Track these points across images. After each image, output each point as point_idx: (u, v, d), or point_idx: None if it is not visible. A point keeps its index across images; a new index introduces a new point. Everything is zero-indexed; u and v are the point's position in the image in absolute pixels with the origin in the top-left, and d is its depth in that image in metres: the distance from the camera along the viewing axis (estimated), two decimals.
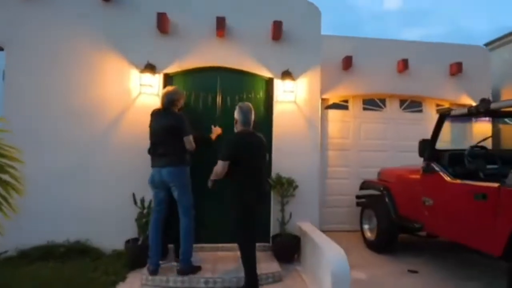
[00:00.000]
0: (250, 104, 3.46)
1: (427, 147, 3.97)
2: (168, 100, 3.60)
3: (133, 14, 4.47)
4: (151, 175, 3.57)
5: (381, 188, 4.74)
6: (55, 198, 4.20)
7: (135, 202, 3.96)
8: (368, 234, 4.93)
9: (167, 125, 3.47)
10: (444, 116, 3.94)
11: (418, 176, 4.14)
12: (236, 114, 3.37)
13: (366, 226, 5.01)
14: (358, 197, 5.33)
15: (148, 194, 3.93)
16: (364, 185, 5.23)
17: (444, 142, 5.26)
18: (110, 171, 4.30)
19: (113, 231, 4.13)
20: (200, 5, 4.61)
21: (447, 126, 5.05)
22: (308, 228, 4.17)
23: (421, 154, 4.04)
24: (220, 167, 3.19)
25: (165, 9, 4.42)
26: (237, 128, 3.38)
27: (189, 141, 3.52)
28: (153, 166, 3.55)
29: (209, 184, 3.30)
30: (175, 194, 3.50)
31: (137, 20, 4.47)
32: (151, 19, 4.39)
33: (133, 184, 4.17)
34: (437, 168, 3.85)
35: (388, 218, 4.51)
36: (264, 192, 3.45)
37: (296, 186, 4.35)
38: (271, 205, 4.50)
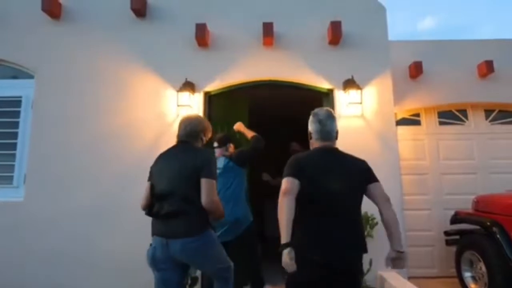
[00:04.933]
0: (330, 109, 2.14)
1: None
2: (188, 131, 2.25)
3: (169, 28, 3.99)
4: (150, 250, 2.09)
5: (488, 223, 3.58)
6: (79, 244, 3.59)
7: None
8: (473, 286, 3.71)
9: (183, 166, 2.09)
10: None
11: None
12: (309, 125, 2.09)
13: (467, 274, 3.79)
14: (448, 233, 4.16)
15: None
16: (458, 218, 4.07)
17: None
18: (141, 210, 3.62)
19: None
20: (243, 12, 4.04)
21: None
22: (396, 281, 3.13)
23: None
24: (283, 186, 1.81)
25: (204, 19, 3.88)
26: (311, 146, 2.12)
27: (210, 187, 2.03)
28: (155, 234, 2.10)
29: (287, 258, 1.66)
30: (203, 270, 2.36)
31: (173, 35, 3.97)
32: (189, 32, 3.86)
33: None
34: None
35: (505, 265, 3.31)
36: (358, 252, 1.94)
37: (376, 224, 3.36)
38: None
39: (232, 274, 2.22)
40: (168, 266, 2.05)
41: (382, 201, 1.95)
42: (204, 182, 2.03)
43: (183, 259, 2.06)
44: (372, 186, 1.96)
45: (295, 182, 1.82)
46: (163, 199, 2.07)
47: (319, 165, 1.93)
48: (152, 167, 2.26)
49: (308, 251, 1.80)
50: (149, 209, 2.15)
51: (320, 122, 2.04)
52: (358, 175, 1.97)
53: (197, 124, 2.29)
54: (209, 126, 2.39)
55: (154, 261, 2.06)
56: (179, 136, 2.28)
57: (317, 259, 1.78)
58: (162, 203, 2.07)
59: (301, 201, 1.82)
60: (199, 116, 2.45)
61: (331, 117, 2.06)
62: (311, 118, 2.10)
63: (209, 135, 2.40)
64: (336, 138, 2.08)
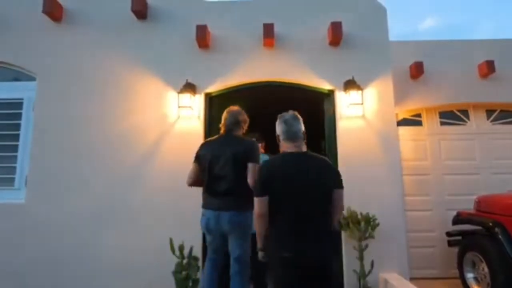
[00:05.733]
0: (295, 112, 2.22)
1: None
2: (233, 121, 2.76)
3: (170, 30, 4.00)
4: (205, 219, 2.63)
5: (490, 224, 3.57)
6: (80, 245, 3.59)
7: (173, 250, 3.17)
8: (475, 287, 3.69)
9: (234, 152, 2.56)
10: None
11: None
12: (276, 128, 2.19)
13: (470, 275, 3.77)
14: (450, 234, 4.14)
15: (189, 239, 3.20)
16: (460, 218, 4.05)
17: None
18: (144, 211, 3.63)
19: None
20: (243, 13, 4.04)
21: None
22: (398, 282, 3.12)
23: None
24: (256, 208, 2.01)
25: (204, 21, 3.89)
26: (281, 148, 2.19)
27: (254, 169, 2.45)
28: (207, 207, 2.64)
29: (260, 256, 2.09)
30: (231, 245, 2.62)
31: (174, 36, 3.98)
32: (189, 34, 3.87)
33: (171, 226, 3.47)
34: None
35: (508, 265, 3.30)
36: (324, 256, 1.99)
37: (377, 225, 3.36)
38: (342, 252, 3.51)
39: (248, 273, 2.61)
40: (217, 234, 2.60)
41: (336, 210, 2.08)
42: (250, 165, 2.50)
43: (228, 229, 2.54)
44: (335, 191, 2.06)
45: (265, 201, 1.97)
46: (220, 179, 2.57)
47: (290, 170, 2.01)
48: (200, 152, 2.74)
49: (282, 252, 1.92)
50: (206, 187, 2.65)
51: (286, 122, 2.14)
52: (328, 178, 2.05)
53: (239, 115, 2.81)
54: (247, 117, 2.90)
55: (208, 228, 2.62)
56: (226, 125, 2.76)
57: (290, 258, 1.90)
58: (219, 182, 2.57)
59: (275, 206, 1.96)
60: (240, 109, 2.87)
61: (296, 119, 2.16)
62: (277, 121, 2.20)
63: (247, 124, 2.90)
64: (304, 139, 2.16)
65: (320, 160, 2.11)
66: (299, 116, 2.20)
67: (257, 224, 2.03)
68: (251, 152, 2.56)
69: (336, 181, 2.08)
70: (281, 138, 2.15)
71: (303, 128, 2.16)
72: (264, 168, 2.10)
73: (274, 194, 1.96)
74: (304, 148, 2.13)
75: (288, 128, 2.11)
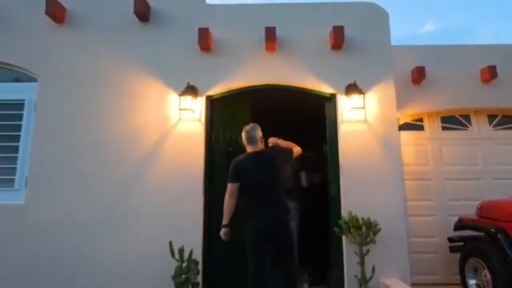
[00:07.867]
0: (255, 124, 3.11)
1: None
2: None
3: (172, 33, 4.00)
4: None
5: (492, 230, 3.53)
6: (79, 247, 3.56)
7: (172, 253, 3.15)
8: None
9: None
10: None
11: None
12: (242, 136, 3.08)
13: (472, 281, 3.74)
14: (452, 240, 4.11)
15: (189, 243, 3.18)
16: (462, 224, 4.02)
17: None
18: (144, 213, 3.61)
19: None
20: (245, 17, 4.05)
21: None
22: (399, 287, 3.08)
23: None
24: (228, 190, 2.85)
25: (206, 24, 3.89)
26: (246, 148, 3.09)
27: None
28: None
29: (222, 232, 2.88)
30: None
31: (176, 39, 3.98)
32: (191, 36, 3.87)
33: (171, 229, 3.45)
34: None
35: (510, 272, 3.26)
36: (278, 219, 2.86)
37: (378, 230, 3.33)
38: (343, 257, 3.48)
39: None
40: None
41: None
42: None
43: None
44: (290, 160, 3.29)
45: (236, 186, 2.85)
46: None
47: (250, 165, 2.92)
48: None
49: (250, 220, 2.82)
50: None
51: (246, 132, 3.04)
52: (278, 162, 2.99)
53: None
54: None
55: None
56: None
57: (255, 224, 2.80)
58: None
59: (244, 189, 2.87)
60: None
61: (254, 128, 3.05)
62: (242, 131, 3.07)
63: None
64: (261, 141, 3.06)
65: (271, 153, 3.06)
66: (257, 125, 3.08)
67: (227, 204, 2.83)
68: None
69: (285, 158, 3.11)
70: (244, 143, 3.05)
71: (260, 134, 3.04)
72: (234, 163, 2.94)
73: (242, 180, 2.85)
74: (261, 147, 3.03)
75: (248, 135, 3.02)
